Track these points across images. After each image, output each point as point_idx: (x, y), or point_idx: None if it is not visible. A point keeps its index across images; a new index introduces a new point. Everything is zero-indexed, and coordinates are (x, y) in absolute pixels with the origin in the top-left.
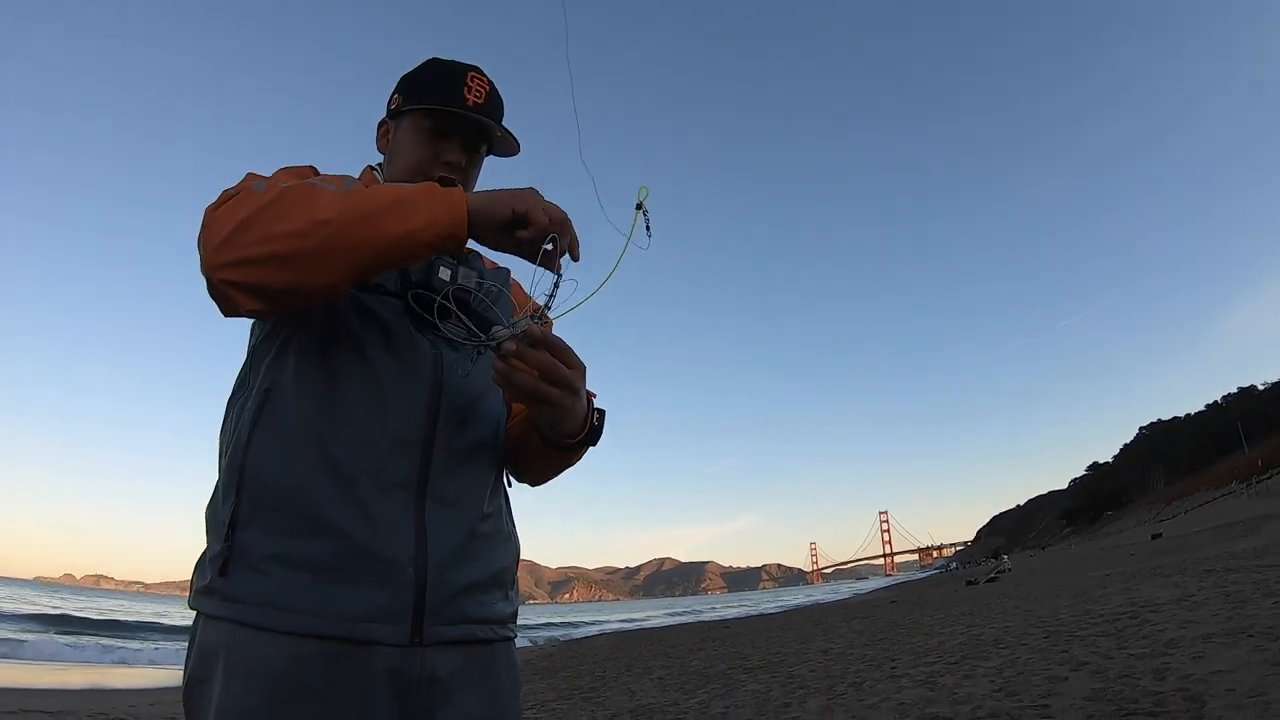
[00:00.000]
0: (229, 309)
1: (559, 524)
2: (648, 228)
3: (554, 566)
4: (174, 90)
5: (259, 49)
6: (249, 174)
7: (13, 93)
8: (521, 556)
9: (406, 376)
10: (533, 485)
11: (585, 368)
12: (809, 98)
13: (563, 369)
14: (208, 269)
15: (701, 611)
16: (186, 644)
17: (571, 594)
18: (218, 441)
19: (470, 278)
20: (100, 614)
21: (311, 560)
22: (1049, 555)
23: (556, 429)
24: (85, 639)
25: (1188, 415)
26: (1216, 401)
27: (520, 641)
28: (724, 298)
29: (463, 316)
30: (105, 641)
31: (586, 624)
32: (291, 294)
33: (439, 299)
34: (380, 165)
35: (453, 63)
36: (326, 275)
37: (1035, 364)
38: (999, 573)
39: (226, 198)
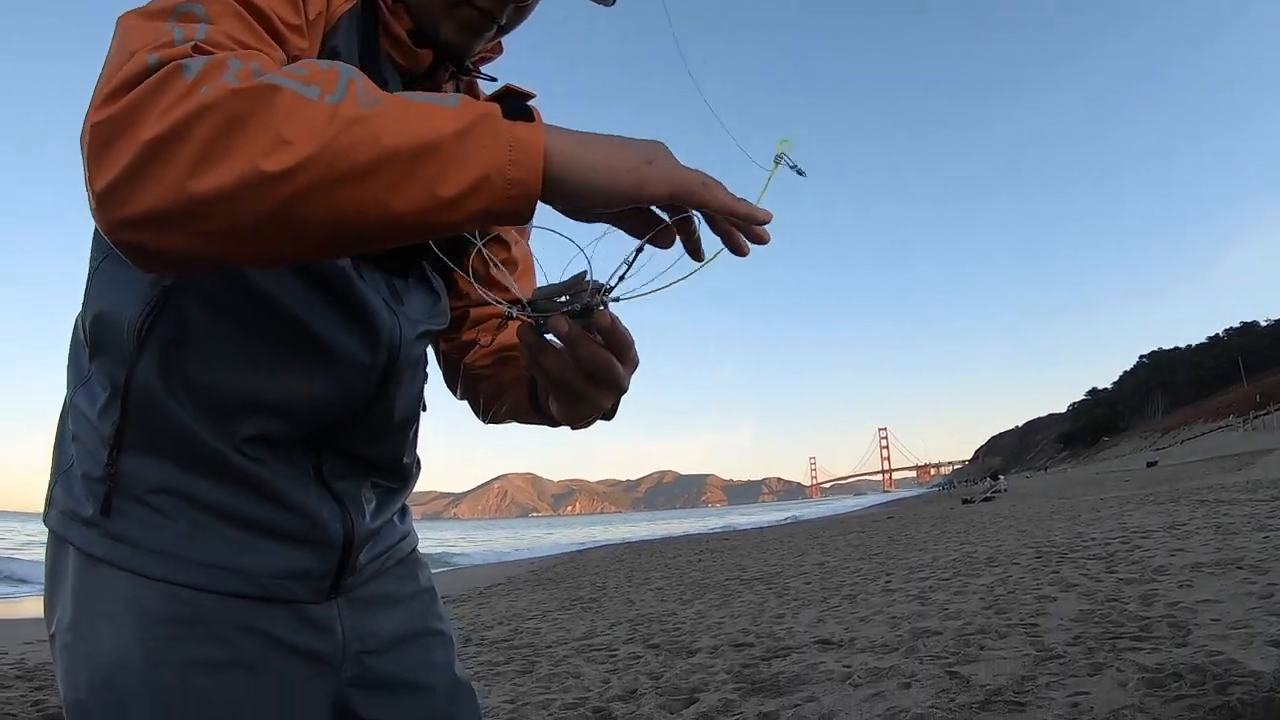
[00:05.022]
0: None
1: (561, 436)
2: (798, 170)
3: (557, 480)
4: None
5: None
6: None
7: None
8: (525, 470)
9: (353, 343)
10: (488, 424)
11: (638, 363)
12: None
13: (616, 370)
14: (100, 224)
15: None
16: (46, 576)
17: (574, 506)
18: (78, 318)
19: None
20: None
21: (220, 504)
22: (1045, 478)
23: (565, 414)
24: None
25: (1189, 346)
26: (1218, 334)
27: (525, 555)
28: None
29: (501, 267)
30: None
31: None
32: (219, 264)
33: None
34: None
35: None
36: (275, 252)
37: (1042, 285)
38: (995, 493)
39: (127, 78)
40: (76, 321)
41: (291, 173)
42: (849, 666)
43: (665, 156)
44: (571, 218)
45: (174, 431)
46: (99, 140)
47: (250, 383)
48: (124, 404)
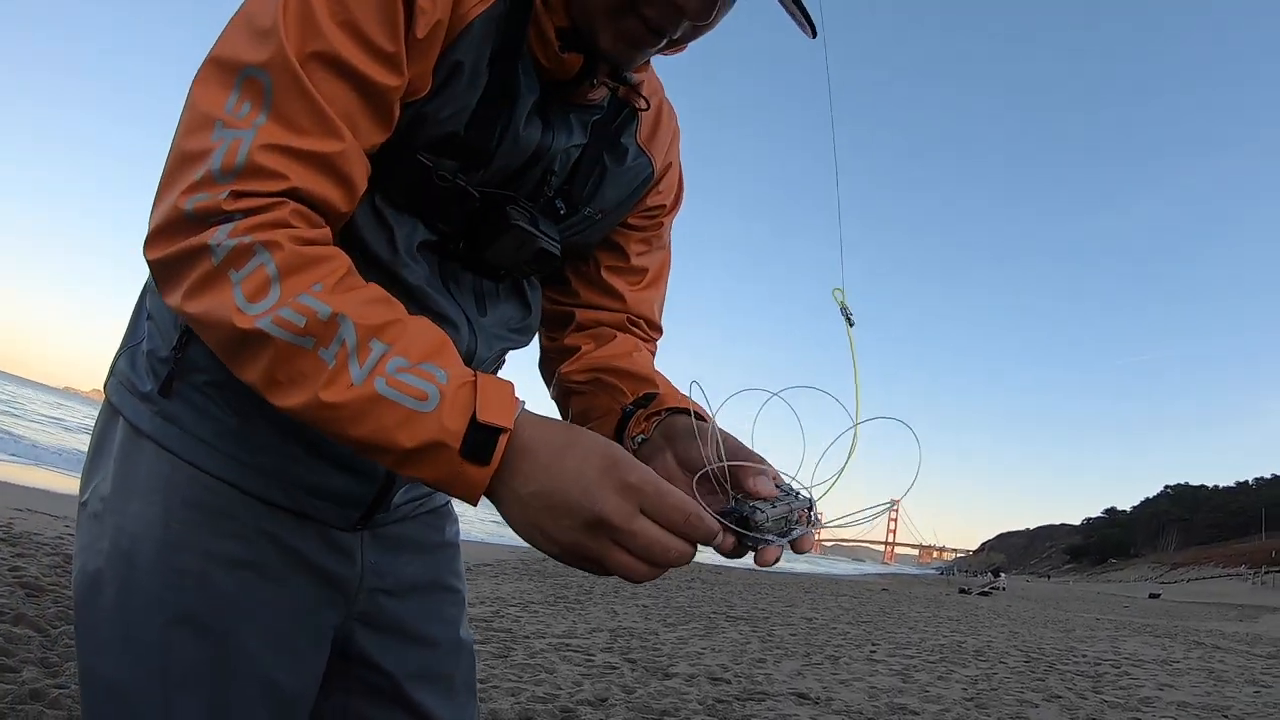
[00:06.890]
0: None
1: None
2: (849, 319)
3: None
4: None
5: None
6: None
7: None
8: None
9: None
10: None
11: None
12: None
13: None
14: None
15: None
16: (91, 444)
17: None
18: None
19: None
20: None
21: (274, 414)
22: (1046, 585)
23: None
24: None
25: (1215, 486)
26: (1247, 481)
27: (514, 541)
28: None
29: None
30: None
31: None
32: None
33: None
34: None
35: None
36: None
37: (1074, 398)
38: (993, 589)
39: (166, 223)
40: None
41: (284, 408)
42: None
43: (609, 525)
44: None
45: None
46: (154, 273)
47: None
48: None
